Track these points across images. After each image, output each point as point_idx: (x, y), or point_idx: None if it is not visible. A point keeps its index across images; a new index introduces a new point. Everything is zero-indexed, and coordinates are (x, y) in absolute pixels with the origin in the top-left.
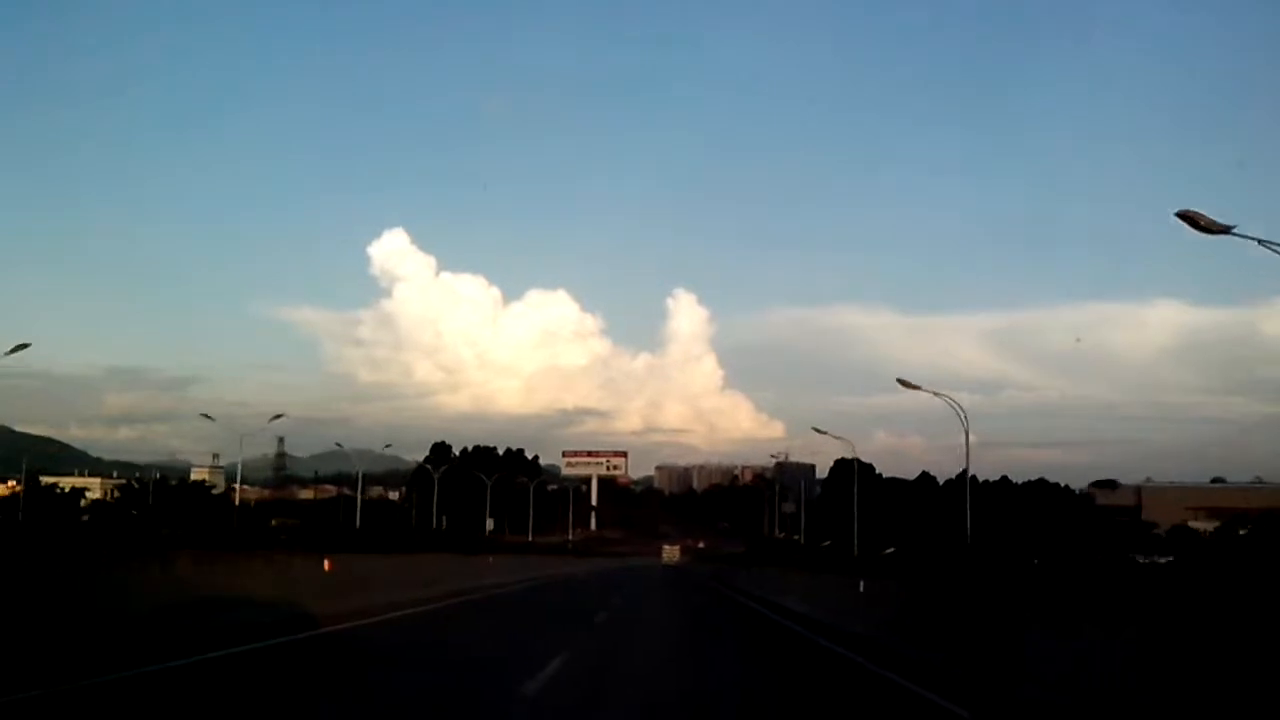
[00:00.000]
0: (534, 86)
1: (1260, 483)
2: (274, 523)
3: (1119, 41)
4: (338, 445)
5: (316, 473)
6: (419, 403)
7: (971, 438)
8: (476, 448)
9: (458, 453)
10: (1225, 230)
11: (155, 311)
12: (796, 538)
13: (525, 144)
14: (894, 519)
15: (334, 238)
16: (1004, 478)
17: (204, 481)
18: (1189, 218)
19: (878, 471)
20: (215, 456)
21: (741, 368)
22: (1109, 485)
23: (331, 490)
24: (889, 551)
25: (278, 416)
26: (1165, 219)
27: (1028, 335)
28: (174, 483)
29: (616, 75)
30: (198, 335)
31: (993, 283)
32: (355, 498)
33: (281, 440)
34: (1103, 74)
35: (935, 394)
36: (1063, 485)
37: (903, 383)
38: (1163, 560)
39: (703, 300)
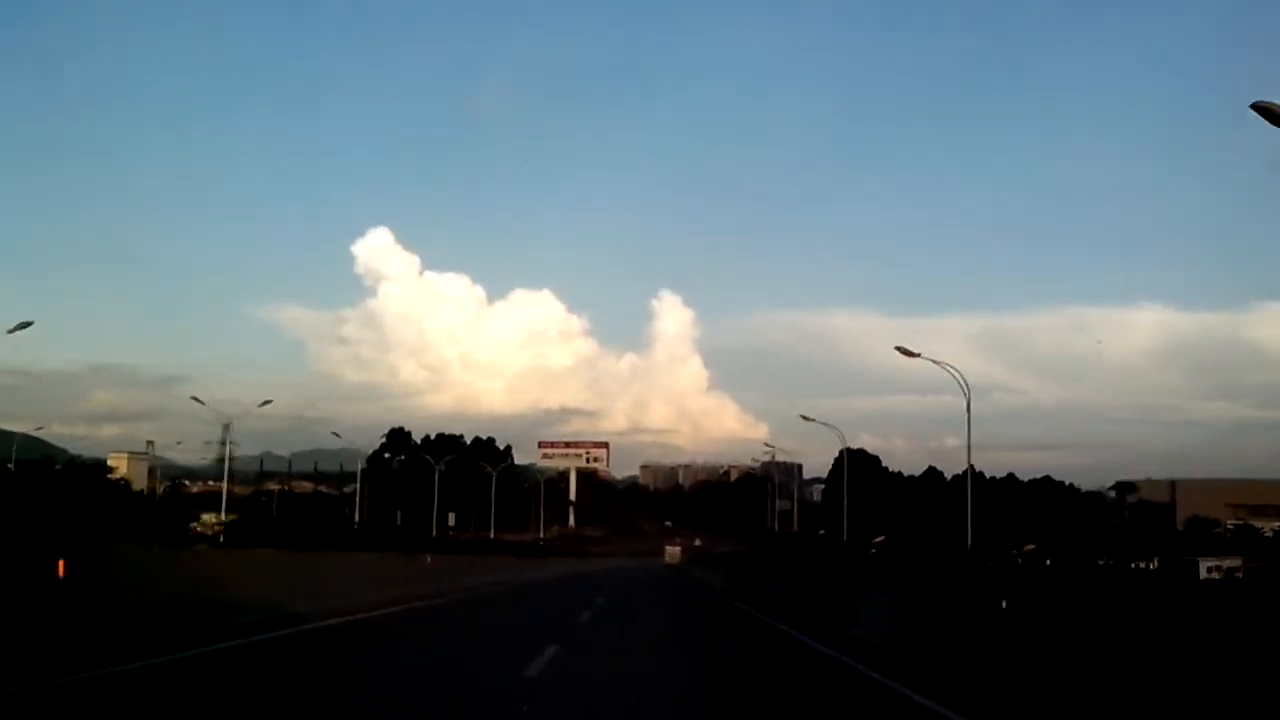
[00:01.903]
0: (520, 86)
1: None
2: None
3: (1110, 47)
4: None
5: (262, 464)
6: (404, 402)
7: (957, 441)
8: (439, 435)
9: (419, 440)
10: None
11: (140, 309)
12: (822, 532)
13: (510, 143)
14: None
15: (318, 236)
16: (1010, 475)
17: (110, 468)
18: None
19: (884, 465)
20: (150, 444)
21: (727, 369)
22: (1129, 486)
23: (308, 486)
24: (1028, 549)
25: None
26: (1152, 223)
27: (1015, 338)
28: (59, 466)
29: (602, 76)
30: (183, 333)
31: (980, 286)
32: (292, 492)
33: (227, 427)
34: (1095, 78)
35: (934, 362)
36: (1067, 484)
37: (901, 350)
38: None
39: (688, 301)
